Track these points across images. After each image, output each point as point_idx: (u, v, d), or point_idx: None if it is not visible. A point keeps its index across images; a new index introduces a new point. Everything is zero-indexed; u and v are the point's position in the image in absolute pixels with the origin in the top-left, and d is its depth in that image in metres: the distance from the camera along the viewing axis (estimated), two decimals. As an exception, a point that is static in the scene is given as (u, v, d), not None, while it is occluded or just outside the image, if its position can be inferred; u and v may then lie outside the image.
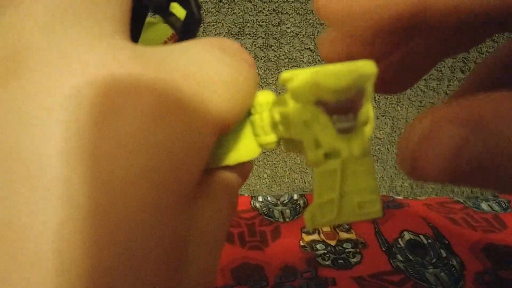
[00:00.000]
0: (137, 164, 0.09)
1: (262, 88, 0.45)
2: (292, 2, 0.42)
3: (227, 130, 0.12)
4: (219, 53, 0.11)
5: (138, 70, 0.09)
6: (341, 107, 0.11)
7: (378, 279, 0.34)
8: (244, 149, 0.14)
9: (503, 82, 0.15)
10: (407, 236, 0.37)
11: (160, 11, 0.14)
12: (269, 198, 0.45)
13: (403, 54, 0.14)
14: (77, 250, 0.08)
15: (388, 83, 0.15)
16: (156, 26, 0.16)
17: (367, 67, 0.11)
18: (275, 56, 0.43)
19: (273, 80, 0.45)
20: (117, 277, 0.08)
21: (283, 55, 0.43)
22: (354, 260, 0.36)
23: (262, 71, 0.44)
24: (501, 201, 0.43)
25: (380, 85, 0.14)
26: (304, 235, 0.39)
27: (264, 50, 0.43)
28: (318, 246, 0.38)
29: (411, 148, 0.10)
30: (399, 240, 0.37)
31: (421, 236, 0.37)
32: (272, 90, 0.47)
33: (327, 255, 0.37)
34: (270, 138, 0.14)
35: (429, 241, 0.36)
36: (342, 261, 0.36)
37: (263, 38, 0.43)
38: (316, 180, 0.13)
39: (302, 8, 0.42)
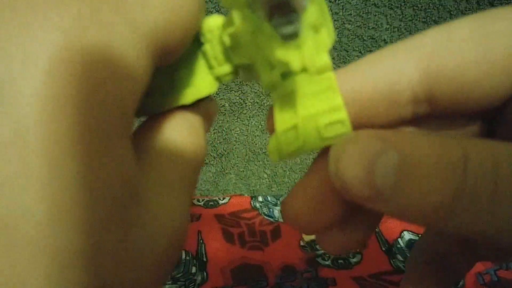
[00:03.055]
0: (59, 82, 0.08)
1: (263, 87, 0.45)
2: (292, 2, 0.42)
3: (170, 56, 0.11)
4: None
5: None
6: (277, 5, 0.10)
7: (378, 279, 0.34)
8: (200, 84, 0.13)
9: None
10: (407, 236, 0.37)
11: None
12: (269, 198, 0.45)
13: None
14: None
15: None
16: None
17: None
18: (275, 56, 0.44)
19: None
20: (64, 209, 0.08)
21: (283, 55, 0.43)
22: (354, 260, 0.36)
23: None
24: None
25: None
26: (304, 235, 0.39)
27: (264, 50, 0.43)
28: (318, 246, 0.38)
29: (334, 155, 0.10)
30: (399, 240, 0.37)
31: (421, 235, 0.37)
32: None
33: (327, 255, 0.37)
34: (225, 68, 0.13)
35: (429, 241, 0.36)
36: (342, 261, 0.36)
37: (263, 38, 0.43)
38: (275, 106, 0.12)
39: (302, 8, 0.42)
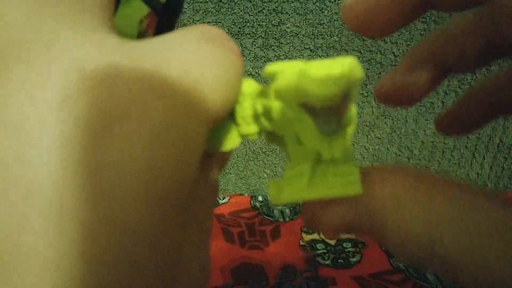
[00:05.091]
0: (141, 170, 0.08)
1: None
2: (292, 2, 0.42)
3: (219, 123, 0.11)
4: (209, 47, 0.11)
5: (139, 71, 0.09)
6: (326, 111, 0.10)
7: (378, 279, 0.34)
8: (224, 139, 0.13)
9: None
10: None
11: None
12: (269, 198, 0.45)
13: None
14: (73, 266, 0.07)
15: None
16: (131, 3, 0.15)
17: (355, 72, 0.10)
18: (275, 56, 0.44)
19: (273, 80, 0.45)
20: None
21: (283, 55, 0.43)
22: (354, 259, 0.36)
23: (262, 71, 0.44)
24: (501, 201, 0.43)
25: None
26: (304, 235, 0.39)
27: (264, 50, 0.43)
28: (317, 246, 0.38)
29: (312, 211, 0.12)
30: (399, 239, 0.37)
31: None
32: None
33: (327, 255, 0.37)
34: (252, 129, 0.13)
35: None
36: (342, 261, 0.36)
37: (263, 38, 0.43)
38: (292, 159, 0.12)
39: (302, 8, 0.42)
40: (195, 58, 0.10)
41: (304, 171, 0.11)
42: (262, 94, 0.12)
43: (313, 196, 0.11)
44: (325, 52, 0.43)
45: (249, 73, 0.44)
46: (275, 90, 0.11)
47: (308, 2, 0.42)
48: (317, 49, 0.43)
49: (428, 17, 0.42)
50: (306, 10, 0.42)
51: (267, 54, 0.43)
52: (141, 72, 0.09)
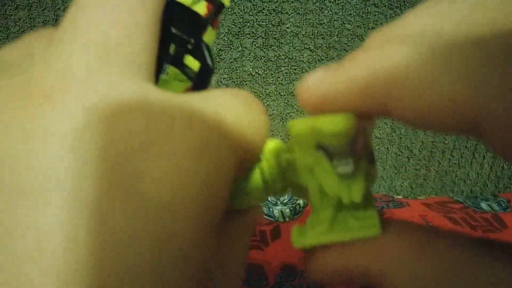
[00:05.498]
0: (174, 197, 0.09)
1: (262, 87, 0.45)
2: (292, 2, 0.42)
3: (244, 169, 0.13)
4: (239, 100, 0.12)
5: (175, 107, 0.10)
6: (341, 151, 0.11)
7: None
8: (253, 194, 0.14)
9: None
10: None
11: (175, 62, 0.15)
12: (269, 198, 0.45)
13: None
14: (103, 273, 0.08)
15: None
16: (170, 82, 0.17)
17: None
18: (275, 56, 0.44)
19: (273, 80, 0.45)
20: None
21: (283, 55, 0.43)
22: (354, 259, 0.36)
23: (262, 71, 0.44)
24: (501, 201, 0.43)
25: None
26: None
27: (264, 50, 0.43)
28: (318, 246, 0.38)
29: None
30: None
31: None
32: (272, 90, 0.47)
33: (327, 255, 0.37)
34: (278, 184, 0.14)
35: (429, 240, 0.36)
36: (342, 261, 0.36)
37: (263, 38, 0.43)
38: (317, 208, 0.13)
39: (302, 8, 0.42)
40: (227, 100, 0.12)
41: (326, 215, 0.12)
42: (286, 149, 0.14)
43: (334, 239, 0.12)
44: (325, 52, 0.43)
45: (249, 73, 0.44)
46: (293, 135, 0.12)
47: (308, 2, 0.42)
48: (317, 49, 0.43)
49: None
50: (306, 10, 0.42)
51: (267, 54, 0.44)
52: (175, 105, 0.10)
